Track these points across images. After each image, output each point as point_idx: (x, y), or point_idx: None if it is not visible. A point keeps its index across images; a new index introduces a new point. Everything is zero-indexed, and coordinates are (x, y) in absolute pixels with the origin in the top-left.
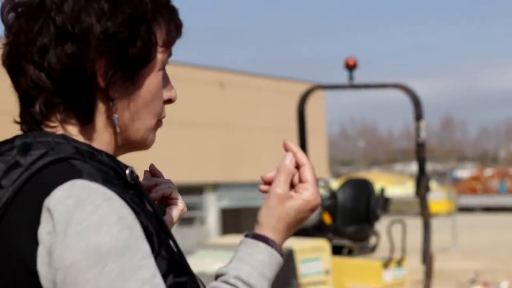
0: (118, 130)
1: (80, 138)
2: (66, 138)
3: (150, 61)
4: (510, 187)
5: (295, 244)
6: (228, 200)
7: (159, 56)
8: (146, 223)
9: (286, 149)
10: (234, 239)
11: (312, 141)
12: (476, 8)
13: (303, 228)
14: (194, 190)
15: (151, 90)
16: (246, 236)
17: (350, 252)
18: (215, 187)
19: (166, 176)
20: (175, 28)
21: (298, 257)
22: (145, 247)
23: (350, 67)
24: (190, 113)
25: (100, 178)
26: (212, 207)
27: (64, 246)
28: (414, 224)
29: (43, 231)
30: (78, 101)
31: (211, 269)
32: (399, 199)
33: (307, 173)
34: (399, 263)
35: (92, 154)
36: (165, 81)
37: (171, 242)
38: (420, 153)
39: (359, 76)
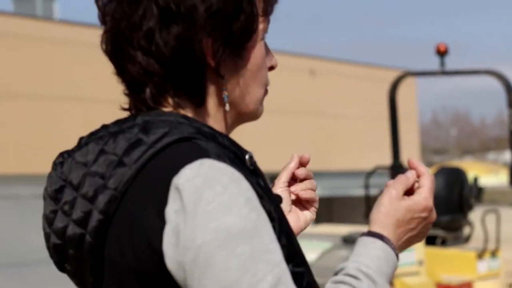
0: (227, 108)
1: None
2: (187, 118)
3: (254, 32)
4: None
5: None
6: (320, 189)
7: (260, 26)
8: (269, 208)
9: (411, 166)
10: (327, 228)
11: (403, 129)
12: None
13: None
14: None
15: (257, 61)
16: (362, 234)
17: (444, 242)
18: None
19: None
20: None
21: None
22: (271, 230)
23: (441, 53)
24: (280, 101)
25: (227, 159)
26: None
27: (194, 226)
28: (509, 214)
29: (171, 210)
30: (189, 83)
31: None
32: (493, 189)
33: (424, 181)
34: (494, 253)
35: (214, 136)
36: (266, 49)
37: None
38: None
39: (451, 63)
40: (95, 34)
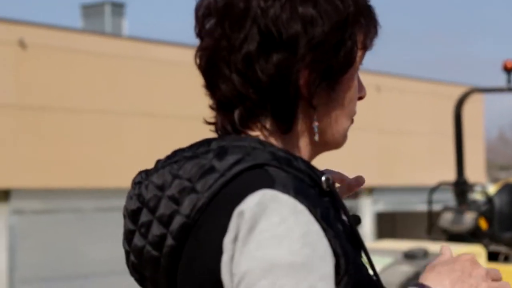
0: (317, 138)
1: (278, 145)
2: (262, 143)
3: (352, 66)
4: None
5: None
6: (384, 204)
7: (358, 59)
8: (334, 242)
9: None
10: (389, 244)
11: (469, 145)
12: None
13: (459, 234)
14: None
15: (350, 93)
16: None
17: (506, 259)
18: (371, 191)
19: None
20: (373, 28)
21: None
22: (326, 268)
23: (509, 69)
24: None
25: (292, 189)
26: (367, 211)
27: (243, 253)
28: None
29: (228, 239)
30: (281, 110)
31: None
32: None
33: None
34: None
35: (289, 160)
36: (359, 80)
37: (363, 257)
38: None
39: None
40: (163, 51)
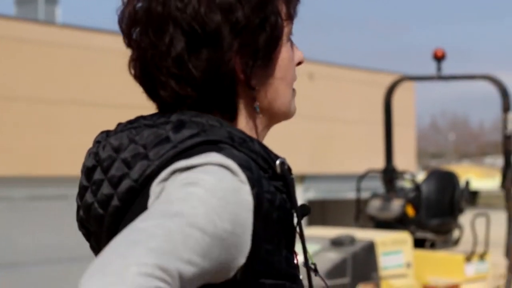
0: (260, 117)
1: None
2: (220, 121)
3: (280, 40)
4: None
5: (377, 236)
6: (315, 192)
7: (285, 29)
8: (259, 226)
9: None
10: (318, 231)
11: (400, 133)
12: None
13: (386, 221)
14: None
15: (285, 64)
16: None
17: (433, 245)
18: (302, 178)
19: None
20: None
21: (380, 250)
22: (210, 249)
23: (439, 58)
24: None
25: (238, 161)
26: (298, 199)
27: (160, 194)
28: (502, 218)
29: (156, 182)
30: (222, 101)
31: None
32: (489, 193)
33: None
34: (482, 257)
35: (243, 140)
36: (292, 47)
37: (284, 252)
38: (507, 145)
39: (451, 68)
40: (97, 38)
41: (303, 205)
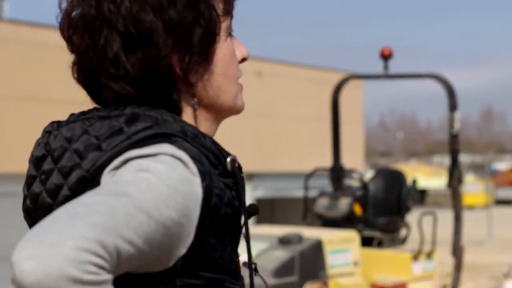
0: (198, 113)
1: None
2: (174, 117)
3: (217, 34)
4: None
5: (324, 234)
6: (264, 190)
7: (223, 25)
8: (202, 219)
9: None
10: (266, 229)
11: (349, 132)
12: None
13: (333, 219)
14: None
15: (226, 60)
16: None
17: (380, 244)
18: (251, 176)
19: None
20: None
21: (327, 248)
22: (153, 234)
23: (386, 56)
24: None
25: (190, 153)
26: (247, 197)
27: (112, 176)
28: (450, 216)
29: (107, 170)
30: (163, 98)
31: (241, 259)
32: (436, 191)
33: None
34: (429, 255)
35: (196, 136)
36: (235, 42)
37: (228, 249)
38: (454, 144)
39: (402, 67)
40: (44, 34)
41: (251, 205)
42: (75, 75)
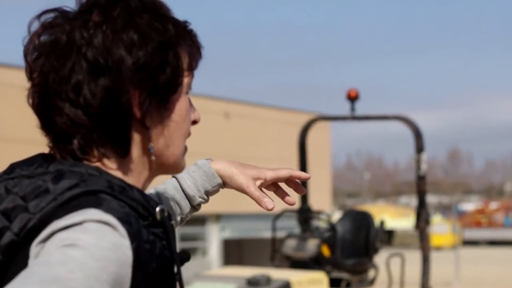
0: (153, 158)
1: (118, 171)
2: (99, 170)
3: (180, 85)
4: None
5: (293, 276)
6: (231, 231)
7: (185, 80)
8: (137, 278)
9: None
10: (234, 270)
11: (316, 173)
12: (485, 40)
13: (302, 260)
14: (196, 220)
15: (182, 114)
16: None
17: (348, 285)
18: (218, 217)
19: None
20: (197, 50)
21: None
22: None
23: (352, 98)
24: (193, 143)
25: (117, 214)
26: (214, 238)
27: (39, 253)
28: (417, 257)
29: (35, 243)
30: (115, 134)
31: None
32: (404, 232)
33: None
34: None
35: (123, 189)
36: (190, 104)
37: None
38: (421, 185)
39: (368, 108)
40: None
41: (182, 251)
42: (30, 100)
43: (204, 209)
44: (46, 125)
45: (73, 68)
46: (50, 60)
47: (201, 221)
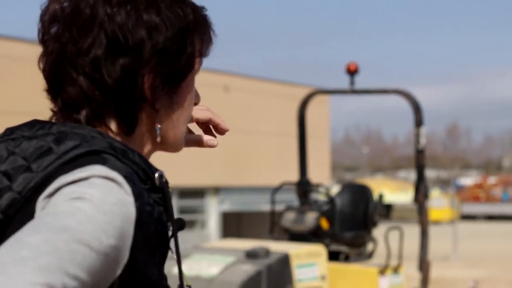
0: (159, 140)
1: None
2: (101, 133)
3: (191, 72)
4: None
5: (291, 249)
6: (230, 204)
7: (196, 66)
8: (136, 240)
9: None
10: (232, 243)
11: (315, 146)
12: (484, 16)
13: (300, 233)
14: (195, 193)
15: (189, 99)
16: None
17: (347, 258)
18: (217, 190)
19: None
20: (210, 37)
21: (294, 262)
22: (94, 264)
23: (352, 72)
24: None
25: (122, 173)
26: (213, 211)
27: (47, 204)
28: (416, 231)
29: (42, 197)
30: (125, 112)
31: (206, 273)
32: (402, 206)
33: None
34: (396, 270)
35: (124, 152)
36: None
37: (158, 264)
38: (420, 159)
39: (368, 83)
40: (5, 45)
41: (178, 219)
42: (42, 65)
43: (203, 182)
44: (55, 91)
45: (93, 43)
46: (71, 31)
47: (200, 194)
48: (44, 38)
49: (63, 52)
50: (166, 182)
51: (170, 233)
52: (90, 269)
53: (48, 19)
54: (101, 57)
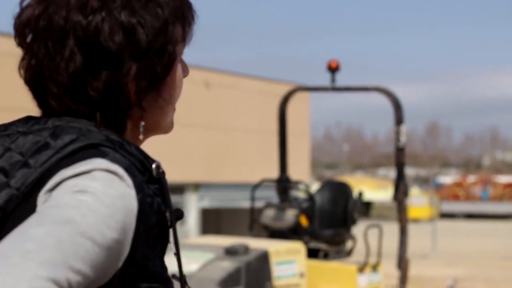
0: (141, 137)
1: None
2: (96, 126)
3: (174, 65)
4: (493, 194)
5: (271, 246)
6: (209, 200)
7: (179, 51)
8: (137, 232)
9: None
10: (211, 239)
11: (295, 143)
12: (463, 15)
13: (279, 230)
14: (175, 189)
15: (175, 85)
16: None
17: (326, 256)
18: (197, 187)
19: None
20: (191, 20)
21: (273, 259)
22: (97, 258)
23: (333, 69)
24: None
25: (123, 165)
26: (192, 207)
27: (48, 198)
28: (395, 229)
29: (43, 192)
30: (112, 120)
31: (185, 269)
32: (381, 204)
33: None
34: (375, 267)
35: (121, 144)
36: (181, 62)
37: (159, 255)
38: (399, 157)
39: (349, 81)
40: None
41: (177, 209)
42: (23, 73)
43: (183, 178)
44: (39, 102)
45: (70, 57)
46: (46, 46)
47: (180, 190)
48: (20, 44)
49: (42, 68)
50: (163, 173)
51: (168, 223)
52: (93, 263)
53: (22, 26)
54: (80, 71)
